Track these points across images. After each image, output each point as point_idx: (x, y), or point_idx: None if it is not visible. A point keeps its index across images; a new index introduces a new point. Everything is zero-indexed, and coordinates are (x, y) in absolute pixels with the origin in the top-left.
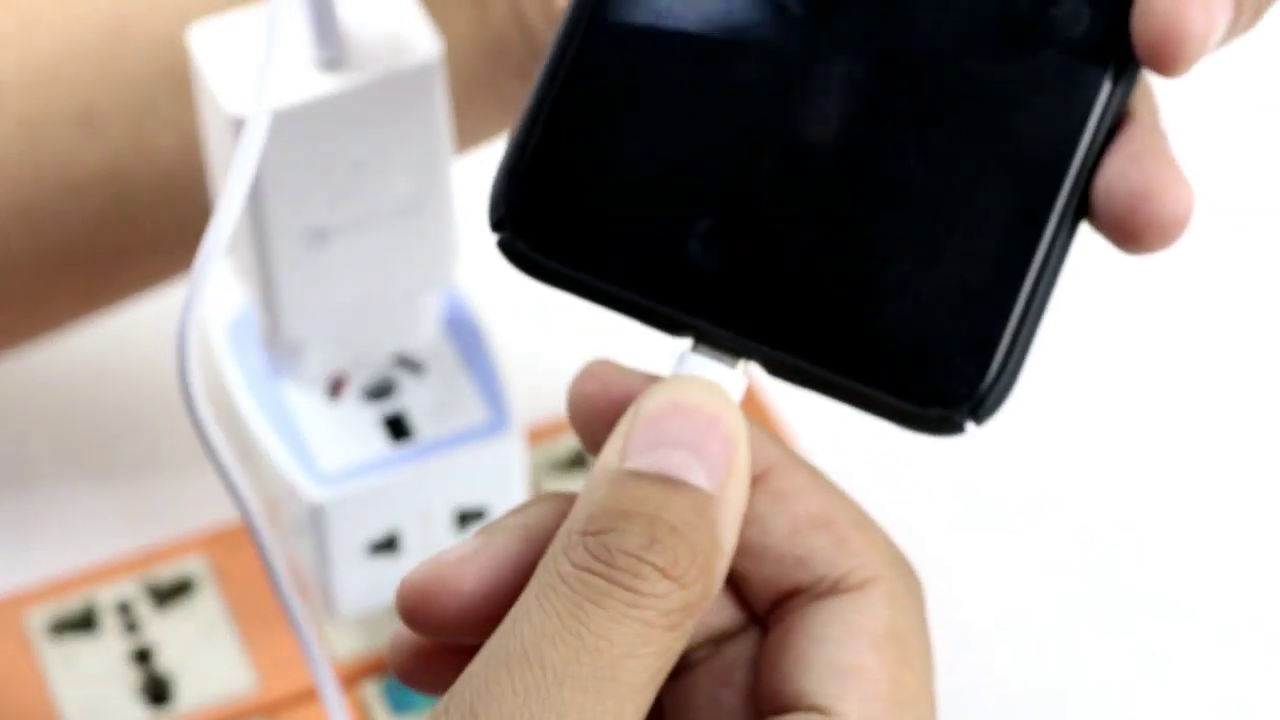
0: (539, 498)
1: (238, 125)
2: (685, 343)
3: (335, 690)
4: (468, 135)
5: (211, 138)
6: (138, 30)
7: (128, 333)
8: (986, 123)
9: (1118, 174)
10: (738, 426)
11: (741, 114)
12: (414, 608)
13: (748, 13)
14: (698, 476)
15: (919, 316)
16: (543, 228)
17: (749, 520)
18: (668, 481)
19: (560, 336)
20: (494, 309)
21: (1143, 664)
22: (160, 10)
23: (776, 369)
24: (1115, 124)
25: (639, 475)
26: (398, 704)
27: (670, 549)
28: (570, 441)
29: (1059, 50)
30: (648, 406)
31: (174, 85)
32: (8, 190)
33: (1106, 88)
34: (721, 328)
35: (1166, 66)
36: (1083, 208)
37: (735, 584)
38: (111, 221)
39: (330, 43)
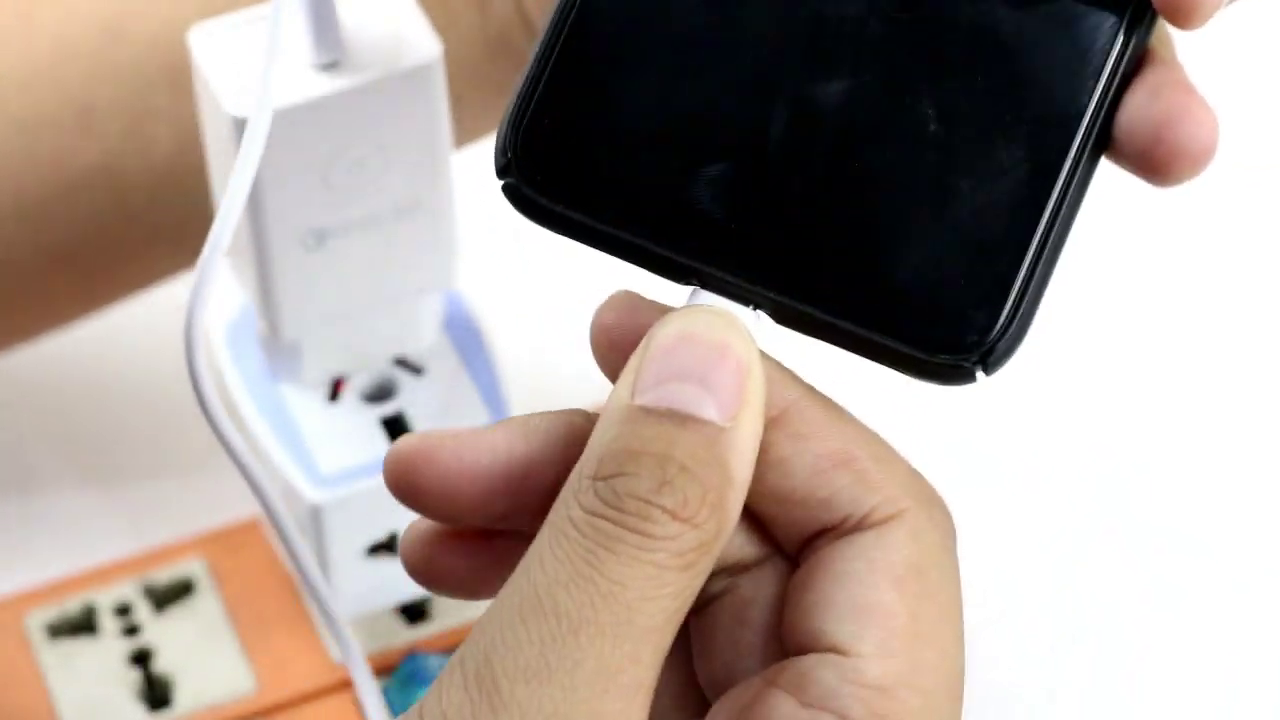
0: (563, 411)
1: (238, 125)
2: (691, 289)
3: (367, 677)
4: (470, 130)
5: (211, 138)
6: (134, 28)
7: (127, 335)
8: (999, 67)
9: (1139, 107)
10: (749, 355)
11: (748, 59)
12: (403, 471)
13: None
14: (708, 409)
15: (929, 262)
16: (547, 172)
17: (771, 464)
18: (677, 417)
19: (560, 337)
20: (494, 310)
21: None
22: (156, 8)
23: (784, 316)
24: (1134, 66)
25: (648, 412)
26: (397, 706)
27: (680, 489)
28: None
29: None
30: (658, 338)
31: (171, 83)
32: (6, 188)
33: (1122, 31)
34: (728, 274)
35: (1185, 20)
36: (1097, 153)
37: (763, 526)
38: (109, 219)
39: (330, 43)
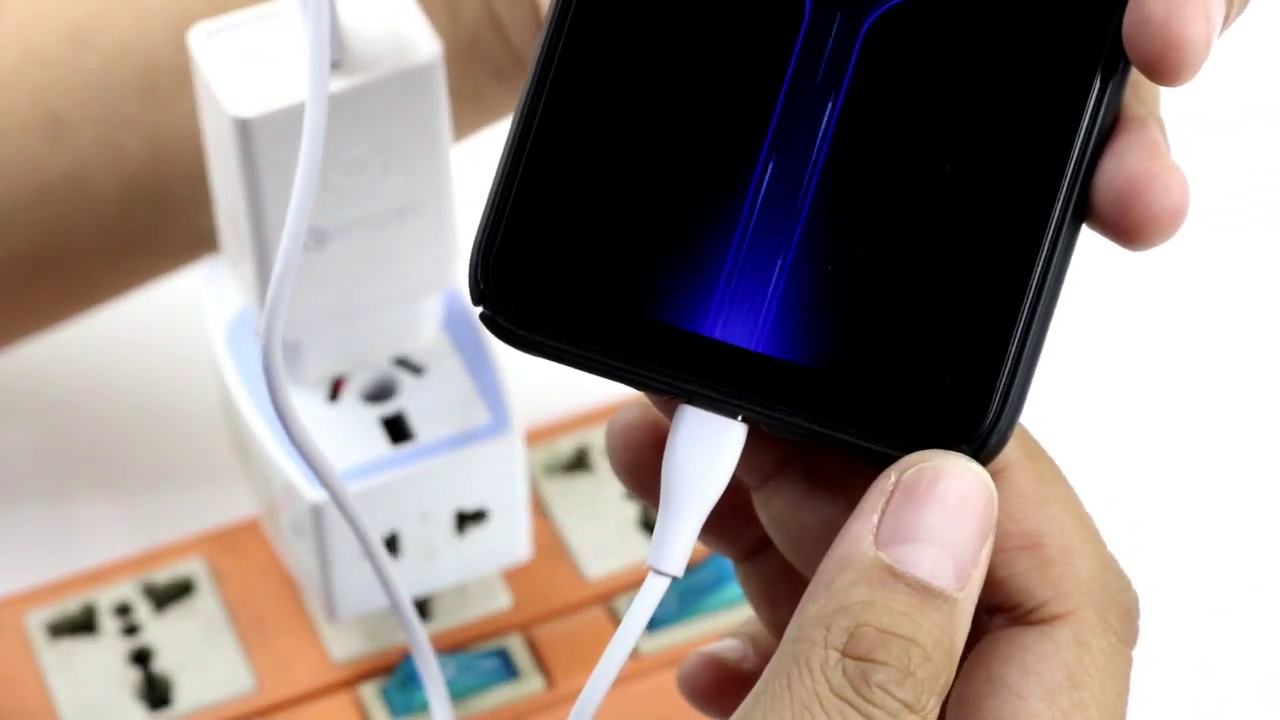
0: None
1: (239, 126)
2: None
3: (431, 658)
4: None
5: (212, 138)
6: (99, 35)
7: (128, 336)
8: (971, 142)
9: (1105, 174)
10: (993, 518)
11: (714, 183)
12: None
13: (710, 66)
14: (946, 579)
15: (914, 361)
16: (522, 301)
17: None
18: (922, 590)
19: None
20: None
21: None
22: (121, 14)
23: (773, 426)
24: (1110, 125)
25: (895, 575)
26: (397, 705)
27: (919, 681)
28: (570, 442)
29: (1039, 62)
30: (907, 482)
31: (140, 91)
32: None
33: (1094, 91)
34: (712, 390)
35: (1168, 78)
36: (1078, 219)
37: None
38: (80, 226)
39: (330, 43)
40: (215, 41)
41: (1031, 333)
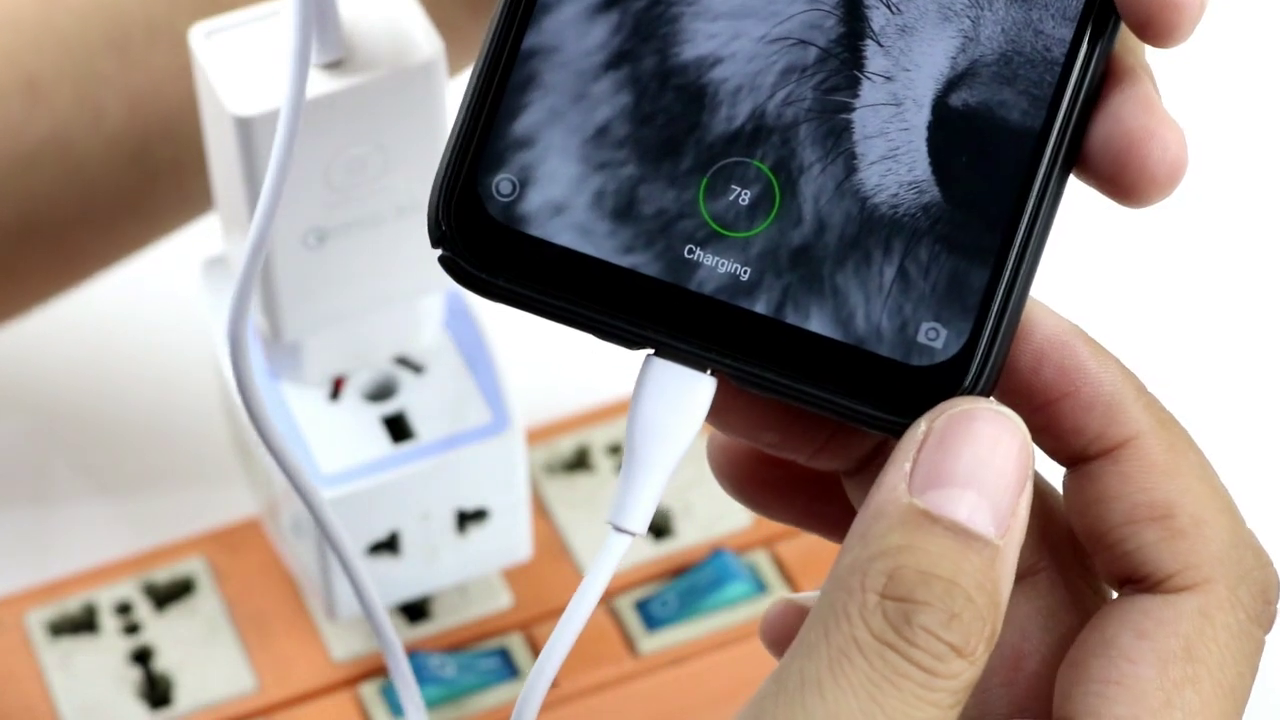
0: None
1: (240, 125)
2: (645, 356)
3: (406, 669)
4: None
5: (213, 137)
6: None
7: (128, 335)
8: (959, 94)
9: (1102, 129)
10: (1030, 463)
11: (700, 111)
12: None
13: None
14: (985, 524)
15: (894, 314)
16: (486, 243)
17: (1092, 500)
18: (961, 533)
19: (560, 337)
20: (494, 309)
21: None
22: None
23: (743, 380)
24: (1099, 80)
25: (932, 520)
26: (397, 704)
27: (965, 623)
28: (571, 442)
29: (1029, 16)
30: (938, 429)
31: (115, 48)
32: None
33: (1084, 44)
34: (682, 341)
35: (1161, 39)
36: (1066, 171)
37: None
38: (65, 192)
39: (331, 43)
40: (216, 40)
41: (1017, 282)
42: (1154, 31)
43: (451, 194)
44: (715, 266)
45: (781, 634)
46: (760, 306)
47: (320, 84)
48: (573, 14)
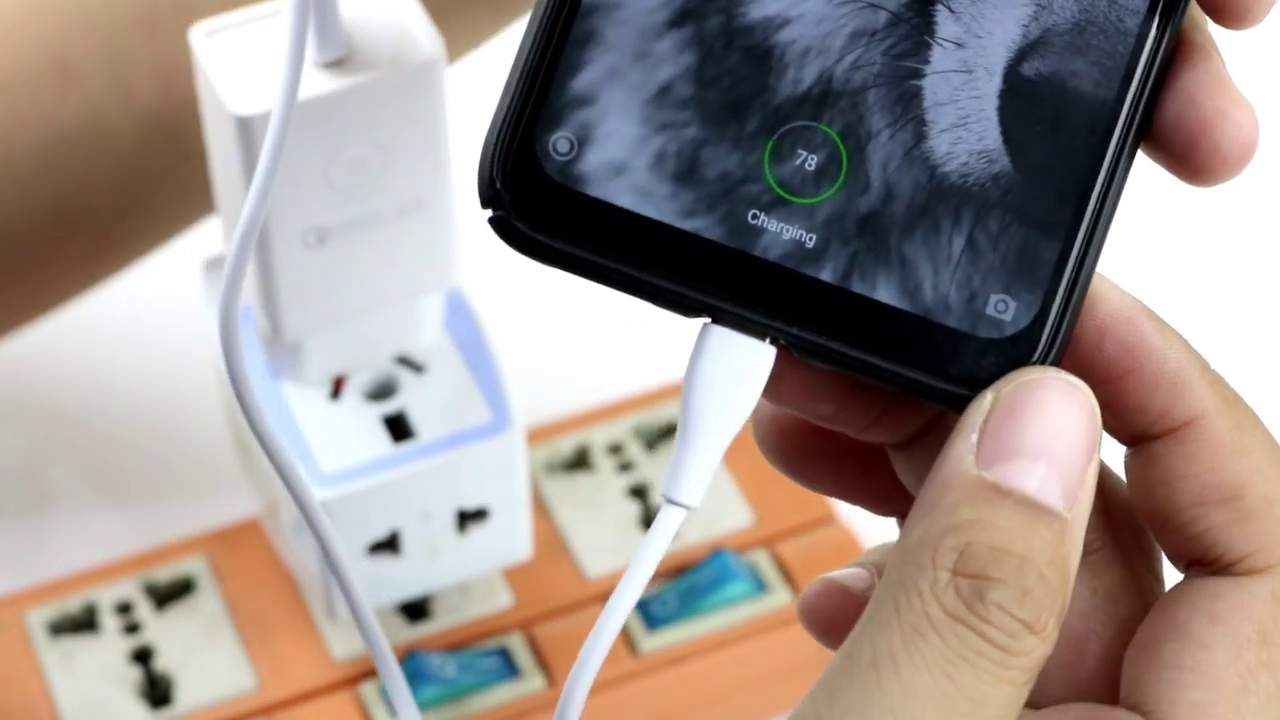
0: None
1: (241, 124)
2: (703, 323)
3: (396, 672)
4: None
5: (214, 137)
6: None
7: (129, 335)
8: (1029, 73)
9: (1175, 108)
10: (1098, 433)
11: (767, 73)
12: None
13: None
14: (1055, 497)
15: (963, 285)
16: (542, 203)
17: (1158, 482)
18: (1031, 507)
19: (561, 337)
20: (494, 309)
21: None
22: None
23: (805, 350)
24: (1170, 57)
25: (1001, 493)
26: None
27: (1038, 600)
28: (571, 441)
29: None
30: (1006, 399)
31: (145, 26)
32: None
33: (1155, 21)
34: (744, 308)
35: (1237, 21)
36: (1135, 148)
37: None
38: (100, 175)
39: (332, 42)
40: (216, 40)
41: (1087, 256)
42: (1229, 13)
43: (507, 152)
44: (780, 232)
45: (822, 614)
46: (826, 275)
47: (321, 83)
48: None
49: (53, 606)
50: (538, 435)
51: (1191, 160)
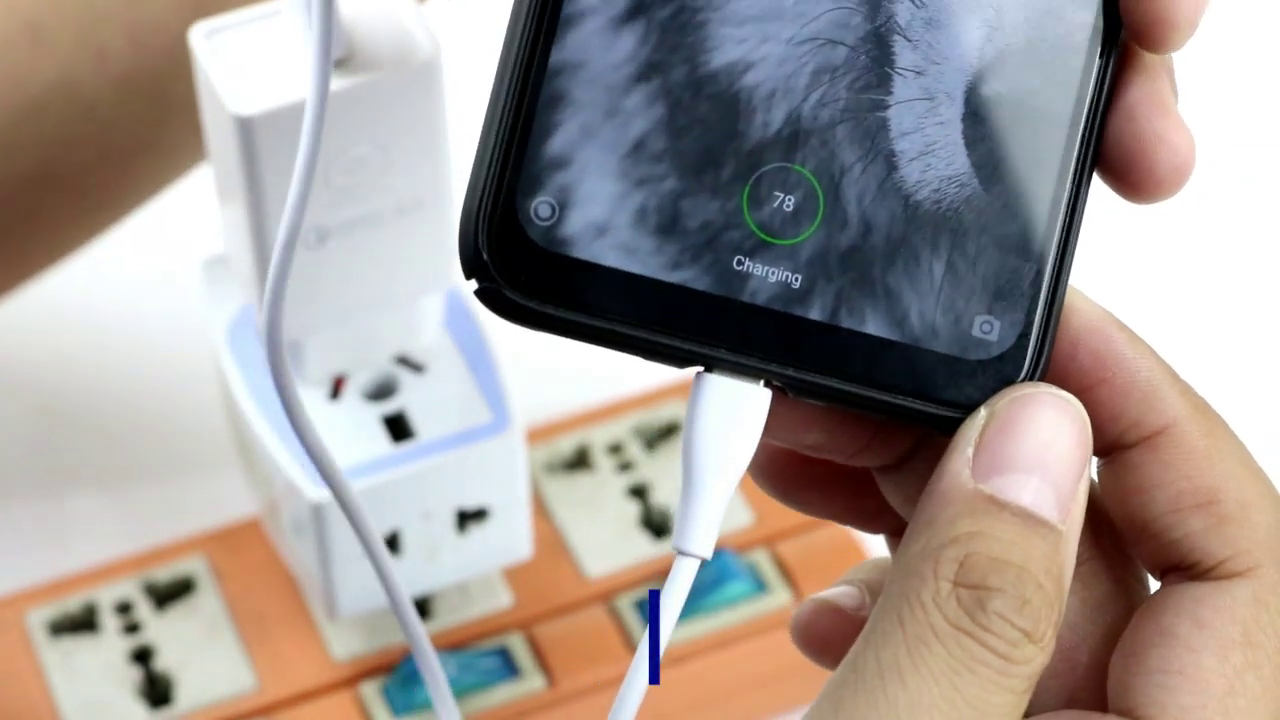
0: None
1: (241, 124)
2: (696, 373)
3: (432, 657)
4: None
5: (213, 137)
6: None
7: (129, 335)
8: (987, 95)
9: (1115, 128)
10: (1089, 446)
11: (736, 119)
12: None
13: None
14: (1050, 509)
15: (946, 314)
16: (530, 270)
17: (1133, 490)
18: (1028, 519)
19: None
20: None
21: None
22: None
23: (800, 389)
24: (1116, 75)
25: (999, 506)
26: (398, 703)
27: (1036, 609)
28: (571, 441)
29: (1043, 33)
30: (1001, 413)
31: None
32: None
33: (1100, 43)
34: (738, 355)
35: (1158, 47)
36: (1092, 170)
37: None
38: (78, 135)
39: (332, 42)
40: (216, 40)
41: (1062, 268)
42: (1150, 39)
43: (490, 221)
44: (766, 276)
45: (816, 634)
46: (815, 313)
47: None
48: (597, 27)
49: (53, 606)
50: (538, 435)
51: (1127, 179)
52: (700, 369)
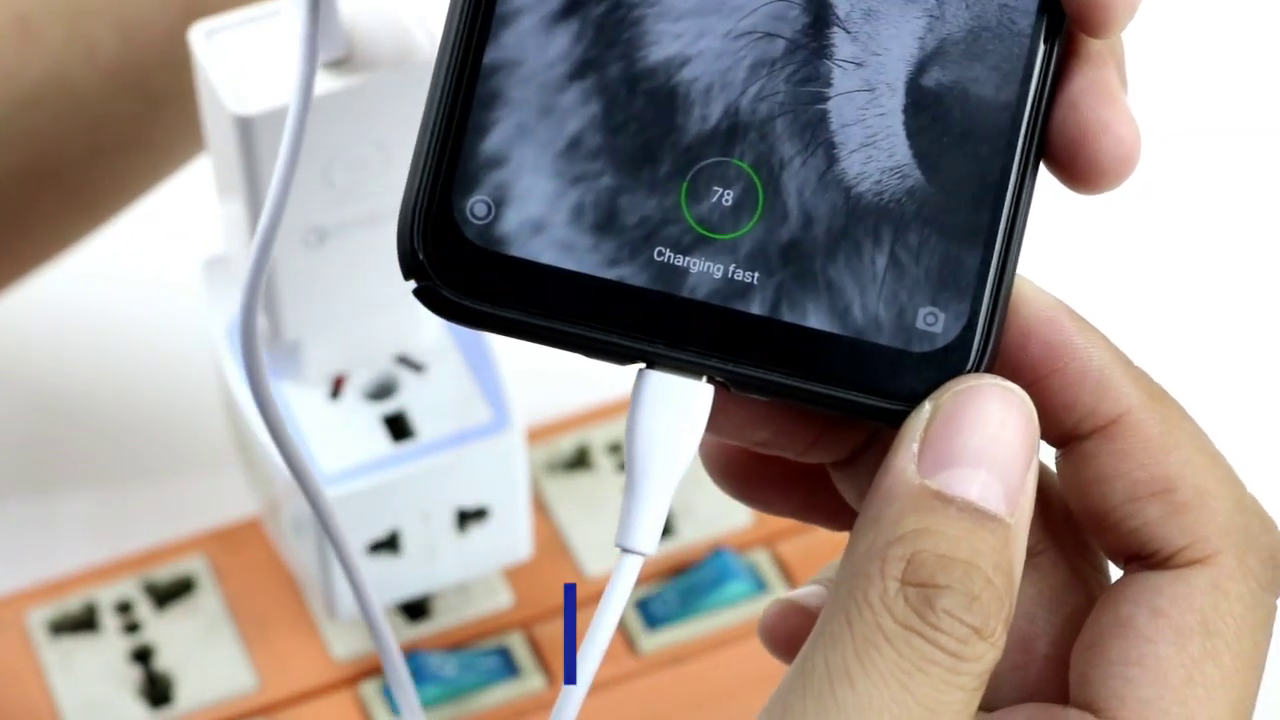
0: None
1: (241, 124)
2: (639, 370)
3: (401, 668)
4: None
5: (214, 136)
6: None
7: (128, 334)
8: (929, 85)
9: (1060, 118)
10: (1036, 437)
11: (673, 114)
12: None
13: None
14: (997, 502)
15: (889, 305)
16: (467, 268)
17: (1091, 481)
18: (975, 514)
19: None
20: None
21: None
22: None
23: (742, 384)
24: (1061, 62)
25: (945, 501)
26: (398, 704)
27: (985, 605)
28: (571, 440)
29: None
30: (945, 408)
31: None
32: None
33: (1044, 29)
34: (678, 350)
35: (1097, 32)
36: (1039, 158)
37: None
38: (70, 129)
39: (332, 41)
40: (216, 40)
41: (1008, 258)
42: (1087, 26)
43: (426, 221)
44: (705, 271)
45: (782, 634)
46: (755, 308)
47: (321, 83)
48: (531, 25)
49: (53, 606)
50: (538, 435)
51: (1072, 169)
52: (642, 365)
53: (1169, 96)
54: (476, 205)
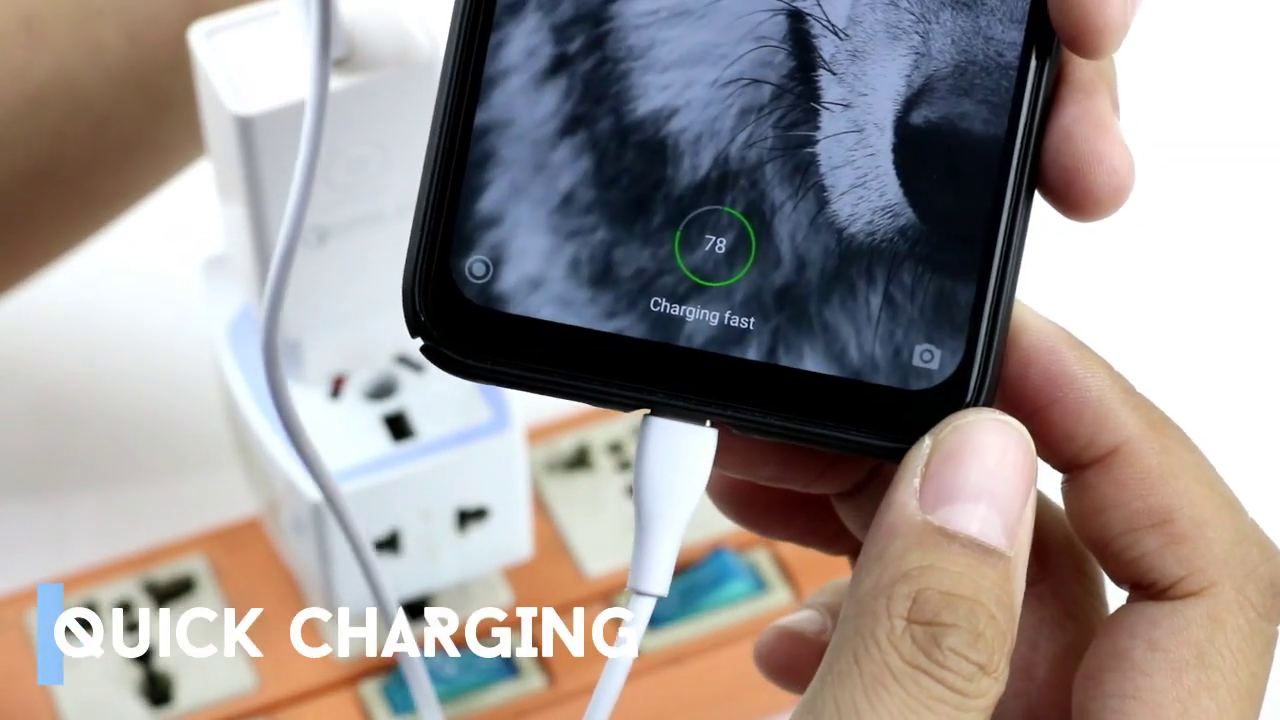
0: None
1: (241, 124)
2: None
3: (420, 667)
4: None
5: (213, 136)
6: None
7: (128, 334)
8: (917, 123)
9: (1053, 147)
10: (1034, 470)
11: (664, 165)
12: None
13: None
14: (997, 536)
15: (884, 348)
16: (468, 327)
17: (1091, 511)
18: (977, 549)
19: None
20: None
21: None
22: None
23: (744, 427)
24: (1051, 92)
25: (948, 537)
26: (399, 703)
27: (989, 641)
28: (571, 440)
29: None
30: (946, 444)
31: None
32: None
33: (1032, 60)
34: (680, 398)
35: (1090, 53)
36: (1032, 187)
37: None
38: (75, 130)
39: (332, 41)
40: (216, 40)
41: (1003, 292)
42: (1080, 47)
43: (426, 283)
44: (702, 319)
45: (779, 661)
46: (752, 353)
47: None
48: (520, 84)
49: None
50: (538, 435)
51: (1066, 199)
52: (646, 412)
53: (1164, 115)
54: (475, 265)
